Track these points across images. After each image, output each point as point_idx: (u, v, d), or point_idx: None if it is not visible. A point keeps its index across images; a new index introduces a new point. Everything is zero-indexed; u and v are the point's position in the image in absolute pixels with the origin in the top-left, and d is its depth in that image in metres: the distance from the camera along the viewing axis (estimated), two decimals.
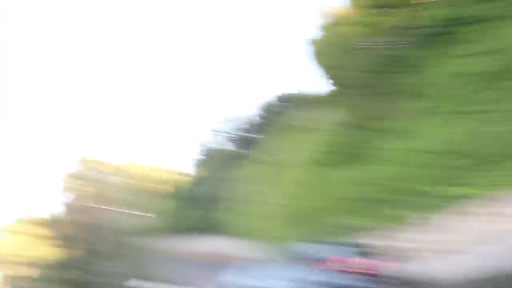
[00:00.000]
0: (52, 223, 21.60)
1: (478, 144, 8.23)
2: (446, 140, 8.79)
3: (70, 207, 22.36)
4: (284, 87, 32.78)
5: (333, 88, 16.53)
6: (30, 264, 20.24)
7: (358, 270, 7.23)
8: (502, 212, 7.39)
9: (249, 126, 22.77)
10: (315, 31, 16.57)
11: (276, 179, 15.85)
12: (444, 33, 10.59)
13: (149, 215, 22.35)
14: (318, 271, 7.31)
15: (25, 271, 20.33)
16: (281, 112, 20.90)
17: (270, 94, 25.20)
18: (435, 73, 10.24)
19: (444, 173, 8.54)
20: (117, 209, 22.16)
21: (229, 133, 23.14)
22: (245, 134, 22.43)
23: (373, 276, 7.15)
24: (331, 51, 14.73)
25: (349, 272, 7.25)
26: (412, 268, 7.62)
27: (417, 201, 8.66)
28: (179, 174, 24.97)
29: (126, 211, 22.22)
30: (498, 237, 6.99)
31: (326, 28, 15.88)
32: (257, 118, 22.61)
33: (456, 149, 8.56)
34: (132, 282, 16.07)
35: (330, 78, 16.53)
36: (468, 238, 8.14)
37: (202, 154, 24.10)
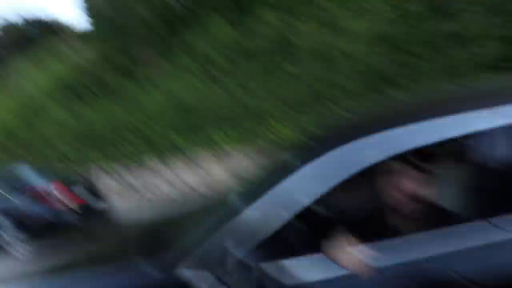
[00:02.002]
0: None
1: (219, 104, 8.64)
2: (193, 97, 8.96)
3: None
4: (36, 11, 29.35)
5: (94, 25, 15.30)
6: None
7: (59, 201, 7.05)
8: (226, 166, 7.88)
9: None
10: None
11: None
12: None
13: None
14: (18, 198, 7.02)
15: None
16: (28, 37, 18.84)
17: (17, 14, 22.12)
18: (208, 37, 10.38)
19: (182, 125, 8.67)
20: None
21: None
22: None
23: (73, 208, 7.08)
24: None
25: (49, 202, 6.95)
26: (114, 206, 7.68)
27: (149, 146, 8.59)
28: None
29: None
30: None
31: None
32: None
33: (199, 107, 8.80)
34: None
35: (93, 14, 15.26)
36: (180, 186, 8.44)
37: None
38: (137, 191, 8.84)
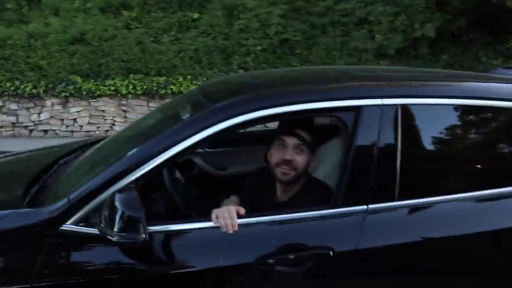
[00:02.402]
0: None
1: (129, 52, 8.42)
2: (99, 37, 8.58)
3: None
4: None
5: None
6: None
7: None
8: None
9: None
10: None
11: None
12: None
13: None
14: None
15: None
16: None
17: None
18: None
19: (84, 65, 8.32)
20: None
21: None
22: None
23: None
24: None
25: None
26: None
27: (44, 80, 8.14)
28: None
29: None
30: None
31: None
32: None
33: (106, 50, 8.49)
34: None
35: None
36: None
37: None
38: (24, 125, 8.43)
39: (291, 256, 1.80)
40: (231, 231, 1.78)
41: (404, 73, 2.63)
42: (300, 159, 2.07)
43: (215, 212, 1.85)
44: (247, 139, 3.36)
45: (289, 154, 2.05)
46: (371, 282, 1.88)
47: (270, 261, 1.78)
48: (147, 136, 2.01)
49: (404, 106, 1.93)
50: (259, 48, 8.73)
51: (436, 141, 2.03)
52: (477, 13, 8.57)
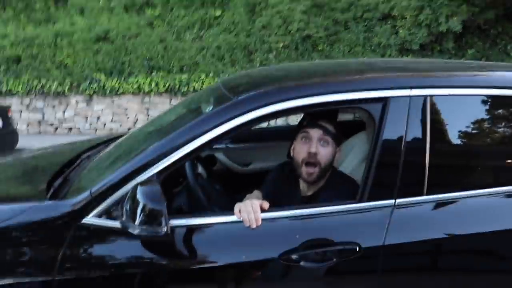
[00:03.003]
0: None
1: (151, 49, 8.46)
2: (123, 36, 8.65)
3: None
4: None
5: None
6: None
7: None
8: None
9: None
10: None
11: None
12: None
13: None
14: None
15: None
16: None
17: None
18: None
19: (108, 63, 8.39)
20: None
21: None
22: None
23: None
24: None
25: None
26: None
27: (68, 77, 8.27)
28: None
29: None
30: None
31: None
32: None
33: (129, 48, 8.55)
34: None
35: None
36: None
37: None
38: (49, 123, 8.56)
39: (316, 252, 1.76)
40: (254, 226, 1.74)
41: (432, 64, 2.54)
42: (325, 152, 2.01)
43: (238, 206, 1.81)
44: (269, 135, 3.33)
45: (314, 147, 1.99)
46: (399, 278, 1.81)
47: (294, 256, 1.73)
48: (170, 129, 1.98)
49: (433, 97, 1.86)
50: (281, 44, 8.67)
51: (467, 133, 1.95)
52: (505, 5, 8.34)
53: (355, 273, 1.80)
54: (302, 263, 1.74)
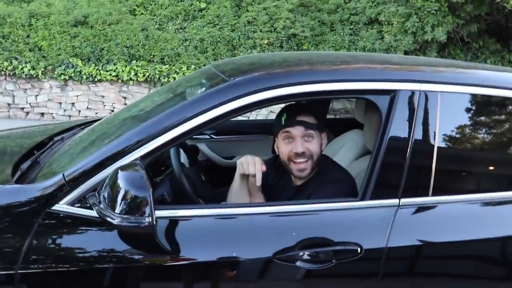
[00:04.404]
0: None
1: (132, 38, 8.21)
2: (103, 22, 8.38)
3: None
4: None
5: None
6: None
7: None
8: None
9: None
10: None
11: None
12: None
13: None
14: None
15: None
16: None
17: None
18: None
19: (86, 49, 8.09)
20: None
21: None
22: None
23: None
24: None
25: None
26: None
27: (43, 61, 7.93)
28: None
29: None
30: None
31: None
32: None
33: (109, 35, 8.28)
34: None
35: None
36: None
37: None
38: (20, 107, 8.21)
39: (314, 252, 1.60)
40: (260, 174, 1.79)
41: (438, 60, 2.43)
42: (312, 146, 1.89)
43: (239, 162, 1.85)
44: (254, 128, 3.18)
45: (300, 147, 1.87)
46: (401, 282, 1.68)
47: (290, 256, 1.58)
48: (157, 112, 1.79)
49: (444, 93, 1.73)
50: (266, 41, 8.52)
51: (477, 133, 1.83)
52: (488, 20, 8.41)
53: (355, 276, 1.65)
54: (298, 263, 1.58)
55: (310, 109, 1.97)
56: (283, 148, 1.92)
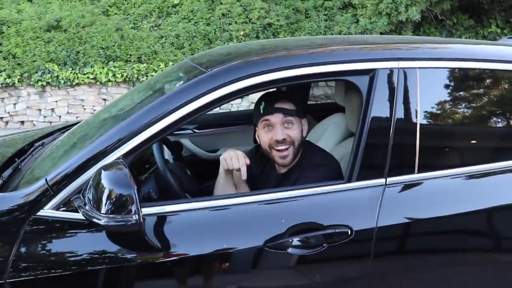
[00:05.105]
0: None
1: (107, 39, 8.10)
2: (76, 24, 8.26)
3: None
4: None
5: None
6: None
7: None
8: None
9: None
10: None
11: None
12: None
13: None
14: None
15: None
16: None
17: None
18: None
19: (60, 53, 7.96)
20: None
21: None
22: None
23: None
24: None
25: None
26: None
27: (18, 68, 7.79)
28: None
29: None
30: None
31: None
32: None
33: (83, 37, 8.16)
34: None
35: None
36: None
37: None
38: (1, 117, 8.07)
39: (305, 237, 1.60)
40: (244, 168, 1.80)
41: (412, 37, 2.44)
42: (293, 132, 1.89)
43: (222, 158, 1.86)
44: (235, 119, 3.17)
45: (280, 134, 1.86)
46: (393, 261, 1.69)
47: (281, 243, 1.58)
48: (136, 109, 1.77)
49: (423, 70, 1.74)
50: (242, 33, 8.49)
51: (458, 107, 1.85)
52: None
53: (347, 258, 1.66)
54: (289, 250, 1.58)
55: (288, 95, 1.96)
56: (264, 136, 1.91)
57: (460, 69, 1.82)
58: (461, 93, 1.85)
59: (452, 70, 1.81)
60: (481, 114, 1.89)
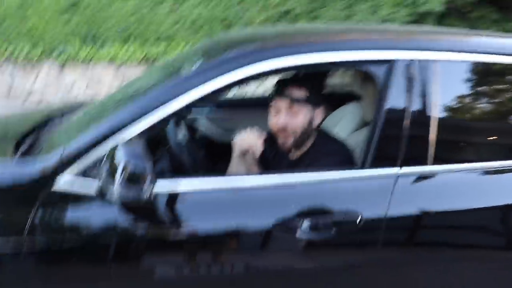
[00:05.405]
0: None
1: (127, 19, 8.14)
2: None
3: None
4: None
5: None
6: None
7: None
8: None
9: None
10: None
11: None
12: None
13: None
14: None
15: None
16: None
17: None
18: None
19: (81, 30, 8.02)
20: None
21: None
22: None
23: None
24: None
25: None
26: None
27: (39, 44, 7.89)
28: None
29: None
30: None
31: None
32: None
33: (103, 16, 8.21)
34: None
35: None
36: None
37: None
38: (18, 92, 8.18)
39: (314, 222, 1.62)
40: (260, 141, 1.83)
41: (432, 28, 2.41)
42: (295, 121, 1.87)
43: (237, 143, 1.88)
44: (253, 104, 3.18)
45: (282, 119, 1.86)
46: (401, 251, 1.70)
47: (290, 226, 1.60)
48: (154, 87, 1.80)
49: (443, 62, 1.73)
50: (259, 20, 8.45)
51: (477, 102, 1.83)
52: None
53: (355, 244, 1.67)
54: (298, 233, 1.60)
55: (302, 82, 1.94)
56: (271, 120, 1.92)
57: (482, 63, 1.79)
58: (481, 87, 1.83)
59: (473, 64, 1.79)
60: (500, 110, 1.87)
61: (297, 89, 1.87)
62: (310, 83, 1.92)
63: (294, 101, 1.85)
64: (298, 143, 1.91)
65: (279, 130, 1.88)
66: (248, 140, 1.85)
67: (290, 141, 1.88)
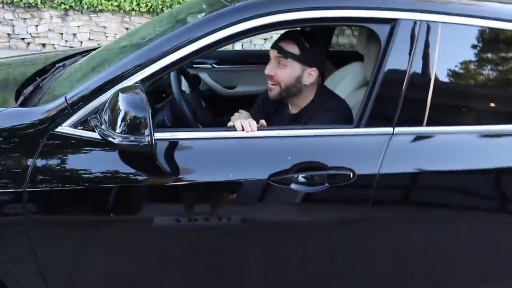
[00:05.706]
0: None
1: None
2: None
3: None
4: None
5: None
6: None
7: None
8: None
9: None
10: None
11: None
12: None
13: None
14: None
15: None
16: None
17: None
18: None
19: None
20: None
21: None
22: None
23: None
24: None
25: None
26: None
27: None
28: None
29: None
30: None
31: None
32: None
33: None
34: None
35: None
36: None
37: None
38: (20, 37, 8.11)
39: (308, 175, 1.66)
40: (249, 130, 1.67)
41: None
42: (281, 74, 1.92)
43: (234, 117, 1.84)
44: (256, 58, 3.17)
45: (269, 68, 1.94)
46: (391, 210, 1.75)
47: (285, 178, 1.64)
48: (157, 36, 1.80)
49: (447, 25, 1.72)
50: None
51: (477, 68, 1.83)
52: None
53: (346, 200, 1.72)
54: (292, 185, 1.65)
55: (297, 38, 1.94)
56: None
57: (488, 28, 1.78)
58: (483, 53, 1.82)
59: (479, 29, 1.77)
60: (500, 78, 1.87)
61: (288, 44, 1.91)
62: (303, 42, 1.93)
63: (282, 54, 1.90)
64: (283, 95, 1.97)
65: (268, 77, 1.95)
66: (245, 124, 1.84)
67: (276, 90, 1.95)
